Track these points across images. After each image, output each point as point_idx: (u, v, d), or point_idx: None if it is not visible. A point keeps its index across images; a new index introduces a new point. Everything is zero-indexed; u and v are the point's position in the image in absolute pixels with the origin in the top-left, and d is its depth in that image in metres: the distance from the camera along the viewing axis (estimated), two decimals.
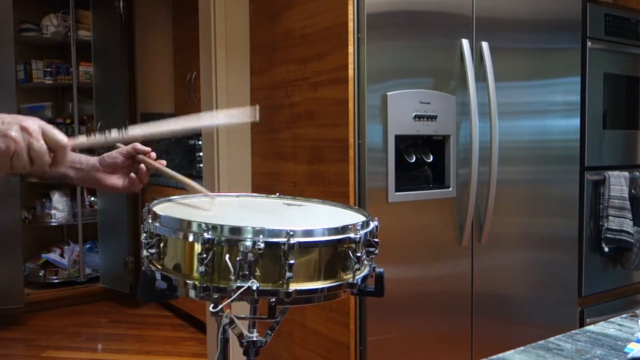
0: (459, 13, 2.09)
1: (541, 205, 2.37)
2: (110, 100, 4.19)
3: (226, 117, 1.01)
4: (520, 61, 2.28)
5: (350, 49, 1.89)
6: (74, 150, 0.90)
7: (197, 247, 0.85)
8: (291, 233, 0.84)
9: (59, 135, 0.85)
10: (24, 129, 0.82)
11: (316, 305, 1.62)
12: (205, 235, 0.84)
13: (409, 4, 1.98)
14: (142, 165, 1.17)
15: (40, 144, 0.83)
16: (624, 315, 1.06)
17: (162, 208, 1.03)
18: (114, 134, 0.92)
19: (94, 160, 1.16)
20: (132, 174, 1.18)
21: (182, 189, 3.53)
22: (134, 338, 3.53)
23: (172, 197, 1.13)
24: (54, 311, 4.06)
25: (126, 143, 1.07)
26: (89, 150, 1.06)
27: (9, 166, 0.83)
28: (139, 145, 1.16)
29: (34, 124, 0.83)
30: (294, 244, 0.84)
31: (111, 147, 1.19)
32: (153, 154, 1.18)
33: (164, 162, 1.19)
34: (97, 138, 0.91)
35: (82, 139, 0.89)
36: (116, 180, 1.16)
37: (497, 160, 2.14)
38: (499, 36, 2.20)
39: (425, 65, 2.02)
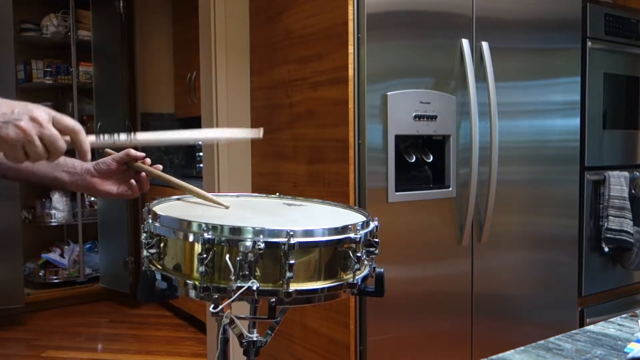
0: (459, 13, 2.09)
1: (541, 205, 2.37)
2: (110, 100, 4.19)
3: (232, 133, 1.03)
4: (520, 61, 2.28)
5: (350, 49, 1.89)
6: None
7: (197, 247, 0.86)
8: (291, 233, 0.84)
9: (70, 121, 0.86)
10: (33, 119, 0.82)
11: (316, 305, 1.62)
12: (206, 235, 0.84)
13: (409, 4, 1.98)
14: (144, 173, 1.16)
15: (51, 132, 0.83)
16: (624, 315, 1.06)
17: (163, 208, 1.03)
18: (123, 137, 0.92)
19: (88, 165, 1.16)
20: (133, 181, 1.17)
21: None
22: (134, 338, 3.53)
23: (181, 196, 1.13)
24: (54, 311, 4.06)
25: (135, 147, 1.05)
26: (91, 151, 1.05)
27: (23, 156, 0.83)
28: (132, 152, 1.13)
29: (44, 113, 0.84)
30: (294, 244, 0.84)
31: (102, 154, 1.18)
32: (148, 160, 1.16)
33: (160, 166, 1.17)
34: (105, 140, 0.92)
35: (92, 138, 0.89)
36: (110, 186, 1.16)
37: (497, 160, 2.14)
38: (499, 36, 2.20)
39: (425, 65, 2.02)
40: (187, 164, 4.42)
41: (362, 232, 0.92)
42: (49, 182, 1.16)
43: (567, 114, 2.44)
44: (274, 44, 2.31)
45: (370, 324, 1.93)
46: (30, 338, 3.54)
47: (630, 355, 0.84)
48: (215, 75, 2.45)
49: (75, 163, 1.16)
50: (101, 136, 0.92)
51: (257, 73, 2.46)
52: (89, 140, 0.88)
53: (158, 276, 0.90)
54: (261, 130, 1.00)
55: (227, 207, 1.03)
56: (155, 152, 4.44)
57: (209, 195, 1.09)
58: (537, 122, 2.34)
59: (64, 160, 1.15)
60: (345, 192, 1.92)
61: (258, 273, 0.84)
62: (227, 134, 1.04)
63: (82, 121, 4.37)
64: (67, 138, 0.86)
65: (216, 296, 0.84)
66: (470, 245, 2.16)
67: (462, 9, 2.09)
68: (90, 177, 1.15)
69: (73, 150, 0.89)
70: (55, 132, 0.84)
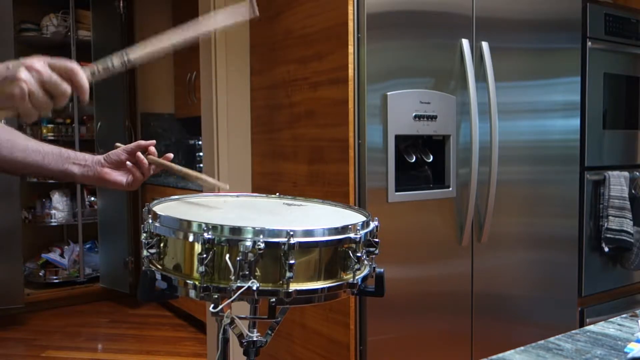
0: (459, 13, 2.09)
1: (541, 205, 2.37)
2: (110, 100, 4.19)
3: (225, 16, 1.01)
4: (520, 61, 2.28)
5: (350, 49, 1.89)
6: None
7: (197, 247, 0.86)
8: (291, 233, 0.84)
9: (65, 62, 0.84)
10: (30, 68, 0.81)
11: (316, 305, 1.62)
12: (206, 235, 0.84)
13: (409, 4, 1.98)
14: (141, 156, 1.17)
15: (50, 76, 0.82)
16: (624, 315, 1.06)
17: (163, 208, 1.03)
18: (117, 61, 0.92)
19: (98, 157, 1.18)
20: (129, 163, 1.19)
21: (182, 188, 3.53)
22: (134, 338, 3.53)
23: (181, 196, 1.14)
24: (54, 311, 4.06)
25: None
26: (92, 151, 1.06)
27: (32, 109, 0.81)
28: (143, 142, 1.18)
29: (38, 60, 0.83)
30: (294, 244, 0.84)
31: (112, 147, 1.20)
32: (153, 150, 1.19)
33: (170, 155, 1.20)
34: (101, 71, 0.91)
35: (87, 72, 0.88)
36: (120, 177, 1.17)
37: (497, 160, 2.14)
38: (499, 36, 2.20)
39: (425, 65, 2.02)
40: (187, 164, 4.42)
41: (362, 232, 0.92)
42: (59, 175, 1.17)
43: (567, 114, 2.44)
44: (274, 44, 2.31)
45: (370, 324, 1.93)
46: (30, 338, 3.54)
47: (630, 355, 0.84)
48: (215, 75, 2.45)
49: (85, 156, 1.18)
50: (96, 67, 0.91)
51: (257, 73, 2.46)
52: (85, 77, 0.87)
53: (158, 276, 0.90)
54: (254, 3, 0.98)
55: (227, 187, 1.06)
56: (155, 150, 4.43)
57: (211, 179, 1.12)
58: (537, 122, 2.34)
59: (74, 154, 1.17)
60: (345, 192, 1.92)
61: (258, 273, 0.84)
62: (221, 19, 1.02)
63: (82, 121, 4.37)
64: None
65: (216, 296, 0.84)
66: (470, 245, 2.16)
67: (462, 9, 2.09)
68: (101, 167, 1.16)
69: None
70: (55, 76, 0.82)
